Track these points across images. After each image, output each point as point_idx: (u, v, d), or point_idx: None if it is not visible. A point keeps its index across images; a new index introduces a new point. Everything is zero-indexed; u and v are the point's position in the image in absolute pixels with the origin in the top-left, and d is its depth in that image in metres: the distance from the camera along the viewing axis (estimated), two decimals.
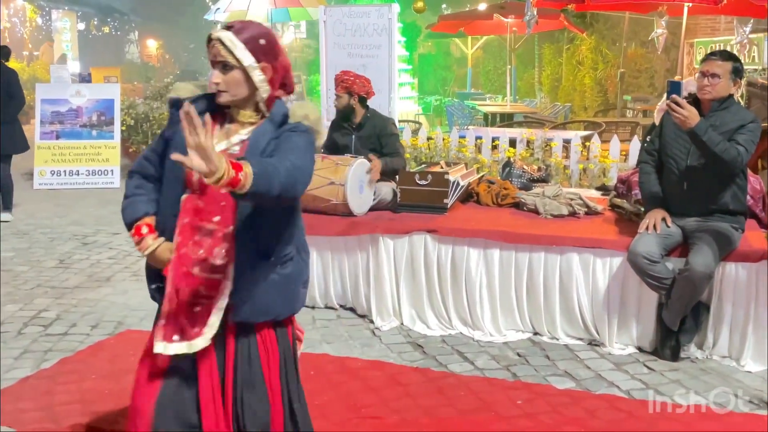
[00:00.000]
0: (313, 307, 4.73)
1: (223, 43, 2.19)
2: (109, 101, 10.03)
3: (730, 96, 3.88)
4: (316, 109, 2.32)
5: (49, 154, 9.72)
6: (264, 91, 2.24)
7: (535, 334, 4.27)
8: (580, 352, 4.04)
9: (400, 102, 10.38)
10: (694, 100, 3.96)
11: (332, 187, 4.59)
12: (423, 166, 5.43)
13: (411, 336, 4.30)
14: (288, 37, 31.08)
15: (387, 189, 4.87)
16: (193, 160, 1.87)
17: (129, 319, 4.57)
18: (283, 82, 2.30)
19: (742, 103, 6.57)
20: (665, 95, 4.30)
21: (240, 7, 11.33)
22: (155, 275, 2.32)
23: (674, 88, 3.71)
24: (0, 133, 7.16)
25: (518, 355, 4.03)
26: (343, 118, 5.14)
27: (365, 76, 5.15)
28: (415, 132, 8.45)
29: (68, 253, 6.20)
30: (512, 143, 7.54)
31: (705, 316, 3.92)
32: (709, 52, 4.31)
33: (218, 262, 2.20)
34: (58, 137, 9.83)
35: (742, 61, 4.02)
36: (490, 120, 11.86)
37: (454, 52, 23.94)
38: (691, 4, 8.02)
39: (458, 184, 4.75)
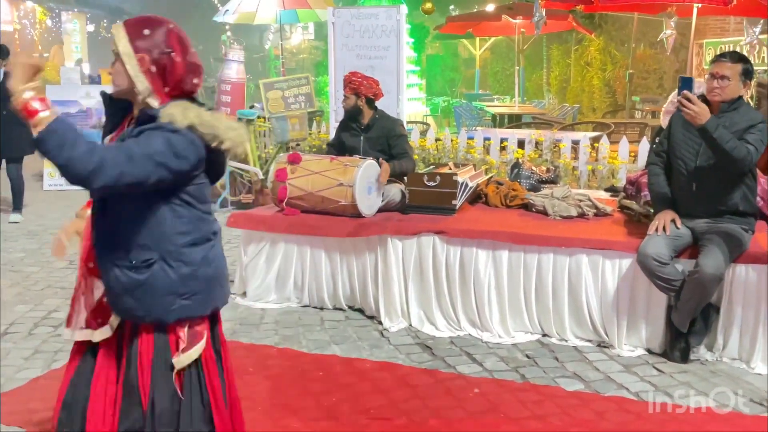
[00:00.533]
0: (321, 308, 4.74)
1: (113, 34, 2.17)
2: None
3: (740, 97, 3.86)
4: (208, 113, 2.17)
5: None
6: (140, 83, 2.14)
7: (544, 335, 4.27)
8: (589, 354, 4.03)
9: (408, 103, 10.39)
10: (704, 101, 3.94)
11: (341, 189, 4.60)
12: (431, 167, 5.43)
13: (419, 337, 4.30)
14: (296, 39, 31.15)
15: (395, 190, 4.87)
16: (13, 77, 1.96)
17: None
18: (178, 80, 2.17)
19: (752, 104, 6.54)
20: (673, 93, 4.29)
21: (249, 8, 11.34)
22: None
23: (685, 83, 3.68)
24: (12, 135, 7.18)
25: (527, 356, 4.02)
26: (351, 119, 5.15)
27: (373, 78, 5.15)
28: (423, 133, 8.45)
29: (78, 253, 6.21)
30: (521, 144, 7.53)
31: (714, 318, 3.90)
32: (718, 53, 4.29)
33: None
34: None
35: (752, 62, 4.00)
36: (498, 121, 11.84)
37: (462, 53, 23.92)
38: (700, 5, 7.99)
39: (467, 185, 4.75)
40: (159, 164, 2.05)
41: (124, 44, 2.13)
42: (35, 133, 1.96)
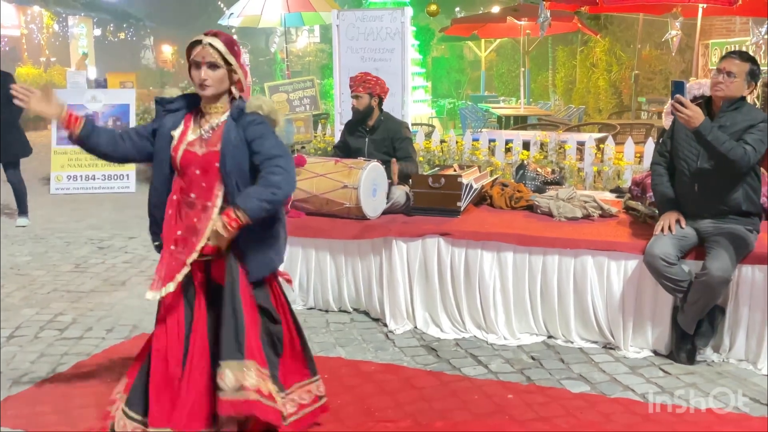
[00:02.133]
0: (326, 311, 4.74)
1: (214, 47, 2.77)
2: (124, 106, 10.11)
3: (743, 98, 3.85)
4: (270, 100, 2.92)
5: (65, 159, 9.81)
6: (243, 85, 2.87)
7: (550, 337, 4.26)
8: (595, 356, 4.02)
9: (413, 105, 10.39)
10: (707, 101, 3.93)
11: (345, 191, 4.60)
12: (436, 169, 5.42)
13: (425, 339, 4.30)
14: (302, 42, 31.20)
15: (400, 192, 4.87)
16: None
17: (144, 322, 4.59)
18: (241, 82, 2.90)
19: (758, 103, 6.51)
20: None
21: (254, 11, 11.35)
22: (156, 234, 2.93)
23: (678, 88, 3.68)
24: (6, 139, 7.15)
25: (532, 358, 4.01)
26: (360, 120, 5.14)
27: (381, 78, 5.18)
28: (428, 135, 8.45)
29: (84, 257, 6.25)
30: (526, 146, 7.52)
31: (721, 319, 3.88)
32: (727, 51, 4.27)
33: (199, 227, 2.79)
34: None
35: (759, 62, 3.98)
36: (503, 123, 11.84)
37: (467, 55, 23.95)
38: (705, 5, 7.96)
39: (471, 187, 4.75)
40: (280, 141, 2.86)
41: (231, 58, 2.79)
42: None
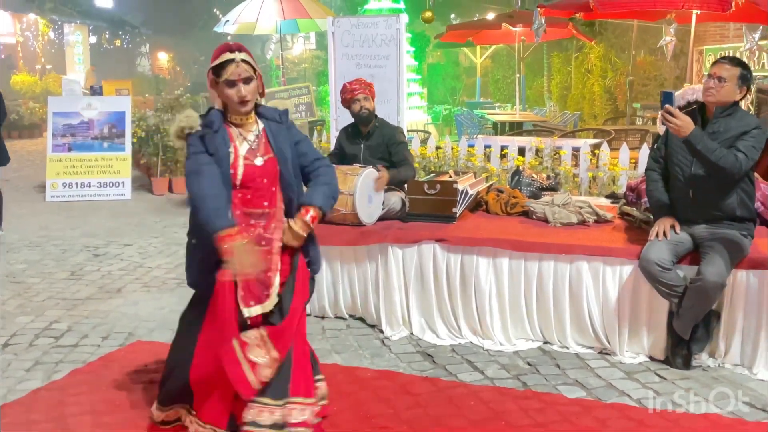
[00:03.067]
0: (322, 317, 4.73)
1: (247, 62, 2.82)
2: (120, 114, 10.11)
3: (736, 103, 3.86)
4: (285, 105, 3.10)
5: (61, 166, 9.80)
6: (261, 95, 2.95)
7: (545, 343, 4.26)
8: (591, 361, 4.02)
9: (409, 112, 10.40)
10: (701, 107, 3.95)
11: (341, 197, 4.59)
12: (432, 175, 5.43)
13: (420, 345, 4.30)
14: (298, 48, 31.23)
15: (396, 198, 4.87)
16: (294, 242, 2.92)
17: (139, 330, 4.58)
18: None
19: (752, 109, 6.54)
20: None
21: (249, 19, 11.38)
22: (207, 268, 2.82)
23: (667, 98, 3.69)
24: None
25: (528, 364, 4.01)
26: (359, 125, 5.12)
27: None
28: (423, 141, 8.46)
29: (79, 264, 6.24)
30: (521, 152, 7.53)
31: (716, 324, 3.89)
32: (719, 57, 4.30)
33: (268, 235, 2.85)
34: (69, 150, 9.92)
35: (752, 68, 4.00)
36: (499, 129, 11.86)
37: (463, 61, 24.01)
38: (699, 12, 7.99)
39: (467, 193, 4.75)
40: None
41: (257, 68, 2.90)
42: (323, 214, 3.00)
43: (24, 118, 18.38)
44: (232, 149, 2.86)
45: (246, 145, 2.88)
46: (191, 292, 3.08)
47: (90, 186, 9.79)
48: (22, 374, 3.90)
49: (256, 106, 2.96)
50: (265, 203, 2.87)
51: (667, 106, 3.64)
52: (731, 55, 8.46)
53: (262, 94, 2.98)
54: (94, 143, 9.99)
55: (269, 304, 2.83)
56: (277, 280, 2.87)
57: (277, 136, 2.90)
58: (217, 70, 2.83)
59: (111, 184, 9.82)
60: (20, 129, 18.08)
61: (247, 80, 2.82)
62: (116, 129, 10.04)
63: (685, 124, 3.62)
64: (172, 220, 8.17)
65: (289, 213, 2.95)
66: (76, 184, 9.77)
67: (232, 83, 2.81)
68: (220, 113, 2.93)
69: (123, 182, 9.85)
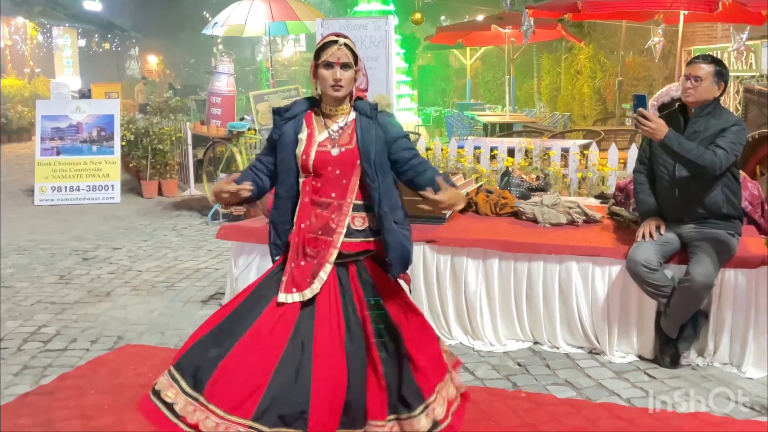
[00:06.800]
0: None
1: (348, 47, 2.73)
2: (109, 117, 10.08)
3: (715, 100, 3.88)
4: (387, 97, 3.01)
5: (49, 170, 9.76)
6: (363, 90, 2.85)
7: (535, 343, 4.26)
8: (581, 361, 4.03)
9: (399, 113, 10.41)
10: (683, 107, 3.96)
11: None
12: None
13: None
14: (287, 51, 31.23)
15: None
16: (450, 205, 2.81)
17: (129, 333, 4.56)
18: None
19: (740, 109, 6.57)
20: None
21: (238, 21, 11.35)
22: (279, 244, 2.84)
23: (640, 101, 3.67)
24: None
25: (518, 364, 4.02)
26: None
27: None
28: (413, 143, 8.46)
29: (68, 268, 6.21)
30: (511, 153, 7.55)
31: (703, 324, 3.91)
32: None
33: (333, 225, 2.74)
34: (58, 153, 9.87)
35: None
36: (489, 130, 11.88)
37: (453, 63, 24.04)
38: (686, 12, 8.04)
39: None
40: None
41: (359, 58, 2.79)
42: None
43: (12, 122, 18.30)
44: (305, 135, 2.78)
45: (325, 134, 2.78)
46: (181, 295, 3.05)
47: (79, 189, 9.74)
48: (11, 378, 3.88)
49: (355, 98, 2.85)
50: (333, 194, 2.77)
51: (640, 109, 3.62)
52: (719, 56, 8.51)
53: (364, 90, 2.88)
54: (83, 147, 9.94)
55: (309, 292, 2.71)
56: (326, 271, 2.73)
57: (366, 129, 2.78)
58: (318, 53, 2.77)
59: (100, 188, 9.78)
60: (9, 133, 18.00)
61: (344, 66, 2.71)
62: (105, 132, 10.00)
63: (659, 126, 3.62)
64: (162, 223, 8.15)
65: (374, 211, 2.82)
66: (65, 187, 9.73)
67: (329, 65, 2.72)
68: (307, 100, 2.87)
69: (112, 185, 9.82)
